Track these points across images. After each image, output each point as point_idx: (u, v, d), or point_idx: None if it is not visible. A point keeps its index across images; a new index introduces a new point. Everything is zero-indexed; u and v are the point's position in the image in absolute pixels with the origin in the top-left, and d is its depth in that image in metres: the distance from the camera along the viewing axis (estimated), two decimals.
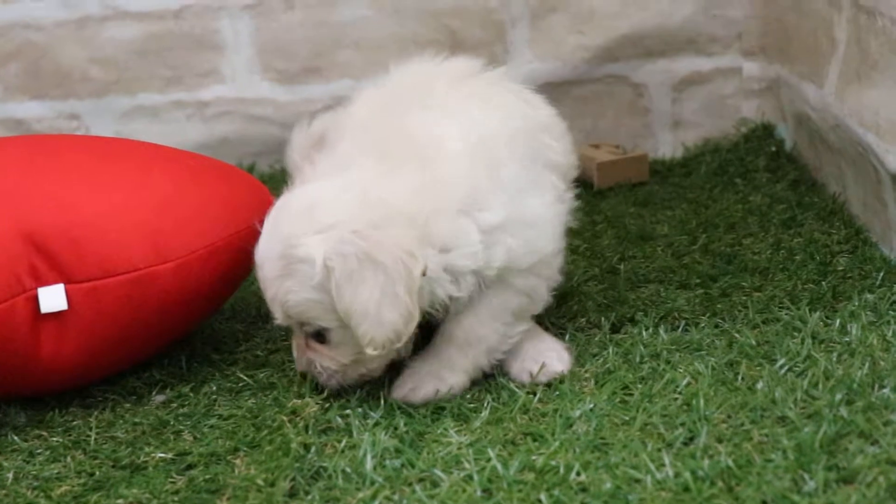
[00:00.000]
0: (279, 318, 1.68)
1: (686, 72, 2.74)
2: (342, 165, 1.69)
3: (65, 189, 1.73)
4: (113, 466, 1.60)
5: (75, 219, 1.70)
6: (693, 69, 2.74)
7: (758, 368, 1.71)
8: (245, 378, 1.81)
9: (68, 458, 1.63)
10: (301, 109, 2.62)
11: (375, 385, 1.74)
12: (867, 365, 1.67)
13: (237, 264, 1.81)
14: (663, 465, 1.47)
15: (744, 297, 1.95)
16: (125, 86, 2.78)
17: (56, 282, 1.68)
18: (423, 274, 1.59)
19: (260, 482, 1.49)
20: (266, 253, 1.66)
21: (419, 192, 1.63)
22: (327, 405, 1.69)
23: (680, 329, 1.86)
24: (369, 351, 1.60)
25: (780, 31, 2.59)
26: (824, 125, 2.29)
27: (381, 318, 1.57)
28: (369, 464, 1.52)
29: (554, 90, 2.64)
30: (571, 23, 2.72)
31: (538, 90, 2.48)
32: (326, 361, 1.70)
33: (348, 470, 1.51)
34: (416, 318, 1.60)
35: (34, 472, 1.60)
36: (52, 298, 1.66)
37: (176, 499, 1.50)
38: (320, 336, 1.68)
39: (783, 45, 2.58)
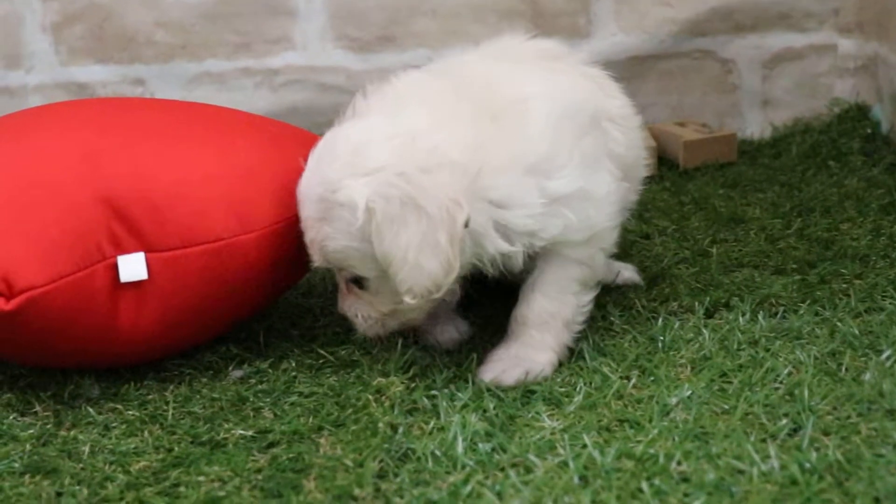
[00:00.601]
0: (317, 260, 1.70)
1: (778, 48, 2.73)
2: (399, 104, 1.69)
3: (145, 154, 1.73)
4: (192, 442, 1.61)
5: (157, 185, 1.70)
6: (785, 45, 2.73)
7: (863, 359, 1.70)
8: (326, 354, 1.81)
9: (145, 433, 1.64)
10: (374, 79, 2.61)
11: (461, 366, 1.75)
12: None
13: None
14: (768, 456, 1.45)
15: (844, 285, 1.94)
16: (192, 51, 2.79)
17: (136, 250, 1.68)
18: (466, 225, 1.58)
19: (348, 462, 1.50)
20: (307, 193, 1.68)
21: (482, 145, 1.63)
22: (413, 385, 1.70)
23: (778, 316, 1.86)
24: (408, 300, 1.60)
25: (880, 7, 2.56)
26: None
27: (421, 266, 1.57)
28: (460, 447, 1.52)
29: (638, 64, 2.63)
30: None
31: (622, 64, 2.48)
32: (365, 308, 1.72)
33: (438, 453, 1.51)
34: (456, 270, 1.59)
35: (110, 446, 1.61)
36: (133, 267, 1.67)
37: (259, 477, 1.50)
38: (359, 282, 1.69)
39: (882, 22, 2.55)
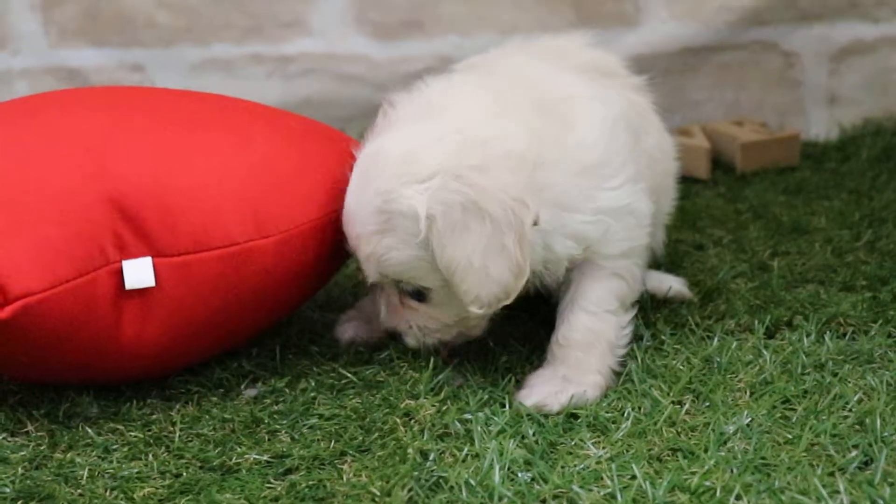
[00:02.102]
0: (372, 276, 1.75)
1: (846, 40, 2.78)
2: (437, 106, 1.77)
3: (156, 149, 1.77)
4: (201, 467, 1.65)
5: (167, 184, 1.74)
6: (855, 37, 2.78)
7: None
8: (348, 375, 1.85)
9: (150, 456, 1.68)
10: (399, 69, 2.67)
11: (497, 387, 1.79)
12: None
13: (338, 245, 1.86)
14: (837, 491, 1.49)
15: None
16: (197, 35, 2.84)
17: (143, 254, 1.71)
18: (535, 223, 1.65)
19: (374, 490, 1.54)
20: (359, 208, 1.74)
21: (536, 137, 1.71)
22: (444, 408, 1.74)
23: (847, 337, 1.90)
24: (473, 310, 1.67)
25: None
26: None
27: (488, 273, 1.65)
28: (497, 476, 1.56)
29: (692, 56, 2.68)
30: None
31: (674, 56, 2.52)
32: (423, 321, 1.78)
33: (472, 482, 1.55)
34: (527, 273, 1.66)
35: (111, 471, 1.65)
36: (139, 273, 1.70)
37: None
38: (420, 295, 1.75)
39: None
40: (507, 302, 1.68)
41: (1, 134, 1.78)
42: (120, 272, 1.70)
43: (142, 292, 1.72)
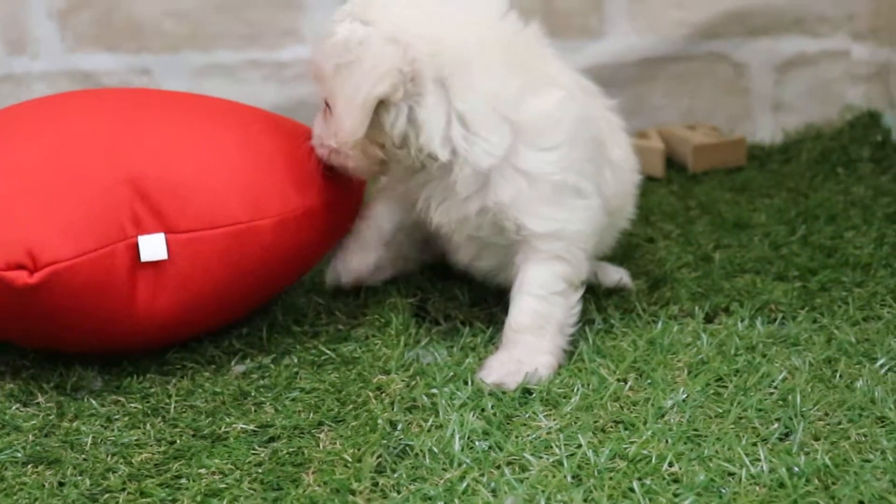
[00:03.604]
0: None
1: (791, 53, 2.81)
2: None
3: (168, 139, 1.85)
4: (193, 435, 1.70)
5: (179, 168, 1.82)
6: (798, 50, 2.81)
7: (857, 367, 1.79)
8: (327, 351, 1.91)
9: (147, 426, 1.73)
10: None
11: (461, 365, 1.85)
12: None
13: (328, 229, 1.98)
14: (758, 459, 1.54)
15: (844, 293, 2.03)
16: (200, 42, 2.88)
17: (157, 230, 1.79)
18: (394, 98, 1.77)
19: (347, 457, 1.59)
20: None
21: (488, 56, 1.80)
22: (413, 383, 1.80)
23: (777, 322, 1.95)
24: (334, 143, 1.86)
25: (894, 13, 2.64)
26: None
27: (342, 117, 1.80)
28: (457, 444, 1.61)
29: (650, 66, 2.72)
30: None
31: (634, 66, 2.57)
32: (323, 129, 1.91)
33: (435, 450, 1.61)
34: (359, 134, 1.78)
35: (112, 438, 1.70)
36: (153, 247, 1.77)
37: (259, 471, 1.59)
38: (329, 105, 1.88)
39: None
40: (345, 142, 1.83)
41: (30, 130, 1.85)
42: (136, 246, 1.77)
43: (155, 265, 1.79)
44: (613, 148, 1.97)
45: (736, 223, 2.37)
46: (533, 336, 1.85)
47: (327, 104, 1.88)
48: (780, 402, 1.70)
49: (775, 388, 1.74)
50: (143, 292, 1.79)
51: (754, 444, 1.59)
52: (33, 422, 1.75)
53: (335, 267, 2.08)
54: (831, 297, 2.02)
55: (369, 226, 2.05)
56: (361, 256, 2.06)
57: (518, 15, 1.90)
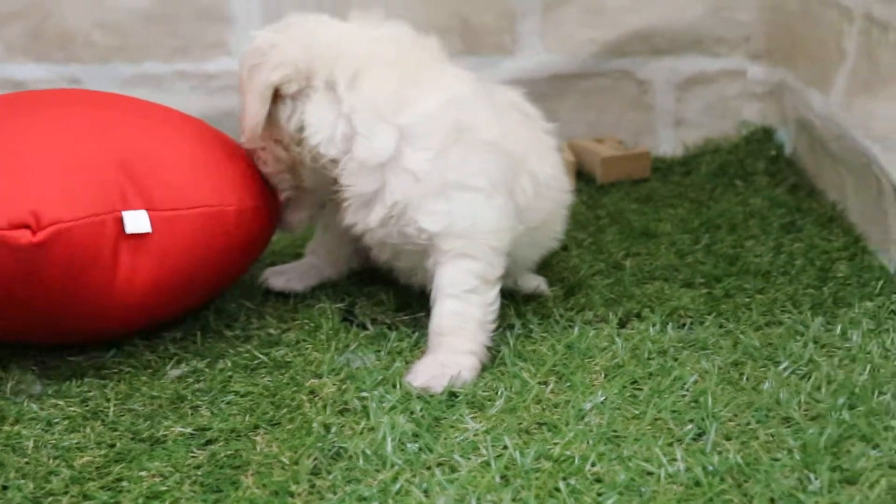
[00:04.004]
0: None
1: (691, 71, 2.83)
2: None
3: (147, 132, 1.90)
4: (132, 439, 1.66)
5: (159, 155, 1.87)
6: (698, 69, 2.83)
7: (762, 370, 1.80)
8: (260, 356, 1.87)
9: (87, 429, 1.68)
10: None
11: (389, 370, 1.83)
12: (867, 371, 1.77)
13: (266, 229, 2.01)
14: (675, 459, 1.55)
15: (747, 299, 2.05)
16: (129, 53, 2.82)
17: (140, 207, 1.80)
18: (277, 95, 1.87)
19: (284, 460, 1.57)
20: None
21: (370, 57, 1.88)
22: (344, 386, 1.77)
23: (686, 327, 1.96)
24: (242, 139, 1.95)
25: (787, 36, 2.69)
26: (828, 133, 2.39)
27: (247, 111, 1.90)
28: (389, 446, 1.60)
29: (560, 82, 2.73)
30: (582, 16, 2.79)
31: (545, 82, 2.57)
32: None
33: (368, 452, 1.59)
34: (258, 123, 1.87)
35: (53, 441, 1.65)
36: (137, 221, 1.79)
37: (199, 473, 1.56)
38: None
39: (789, 51, 2.68)
40: (250, 135, 1.90)
41: (28, 112, 1.88)
42: (121, 220, 1.77)
43: (137, 239, 1.80)
44: (540, 165, 1.96)
45: (643, 232, 2.38)
46: (454, 337, 1.83)
47: None
48: (693, 404, 1.70)
49: (687, 390, 1.74)
50: (124, 266, 1.79)
51: (670, 445, 1.59)
52: None
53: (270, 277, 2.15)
54: (735, 304, 2.03)
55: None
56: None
57: (433, 33, 1.96)
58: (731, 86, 2.84)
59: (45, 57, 2.82)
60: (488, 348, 1.86)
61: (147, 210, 1.80)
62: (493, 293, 1.87)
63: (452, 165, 1.83)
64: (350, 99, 1.85)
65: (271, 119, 1.89)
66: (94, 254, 1.74)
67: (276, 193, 2.01)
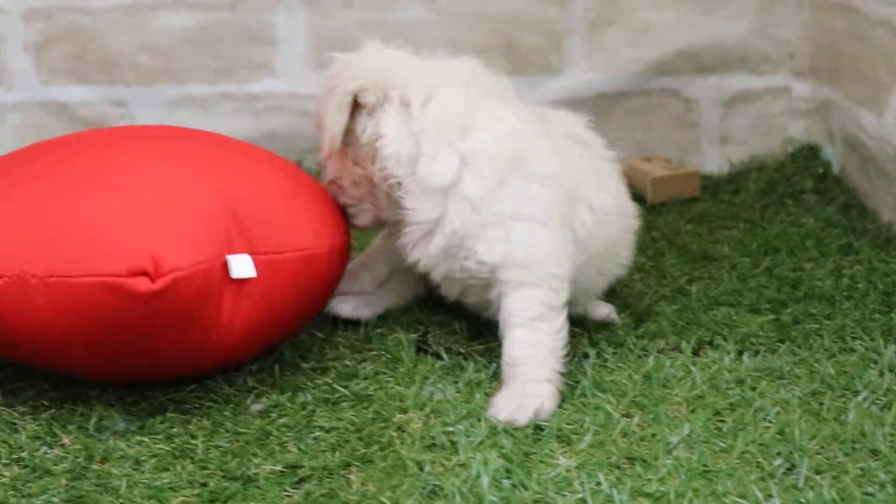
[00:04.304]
0: None
1: (736, 89, 2.85)
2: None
3: (246, 173, 1.91)
4: (223, 477, 1.65)
5: (260, 191, 1.89)
6: (743, 87, 2.85)
7: (842, 400, 1.82)
8: (340, 389, 1.87)
9: (178, 468, 1.68)
10: None
11: (470, 403, 1.83)
12: None
13: (344, 265, 2.03)
14: (770, 495, 1.56)
15: (815, 326, 2.06)
16: (174, 75, 2.82)
17: (244, 251, 1.80)
18: (356, 102, 1.93)
19: (384, 500, 1.57)
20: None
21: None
22: (430, 421, 1.77)
23: (759, 355, 1.96)
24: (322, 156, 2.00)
25: (833, 54, 2.70)
26: (882, 153, 2.40)
27: (325, 121, 1.95)
28: (486, 484, 1.60)
29: (606, 101, 2.74)
30: (627, 36, 2.81)
31: (591, 101, 2.58)
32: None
33: (465, 490, 1.59)
34: (338, 129, 1.92)
35: (145, 481, 1.65)
36: (243, 265, 1.79)
37: None
38: None
39: (835, 69, 2.69)
40: (334, 144, 1.94)
41: (138, 151, 1.90)
42: (226, 264, 1.77)
43: (240, 283, 1.79)
44: (598, 194, 1.98)
45: (702, 255, 2.38)
46: (528, 367, 1.85)
47: None
48: (778, 436, 1.71)
49: (770, 422, 1.75)
50: (227, 308, 1.79)
51: (763, 480, 1.60)
52: (63, 464, 1.69)
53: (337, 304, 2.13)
54: (805, 330, 2.04)
55: (364, 267, 2.16)
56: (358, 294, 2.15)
57: (477, 53, 2.04)
58: (776, 103, 2.85)
59: (88, 79, 2.83)
60: (564, 376, 1.86)
61: (250, 254, 1.80)
62: (561, 319, 1.89)
63: (508, 196, 1.87)
64: (421, 119, 1.91)
65: (348, 136, 1.95)
66: (204, 299, 1.74)
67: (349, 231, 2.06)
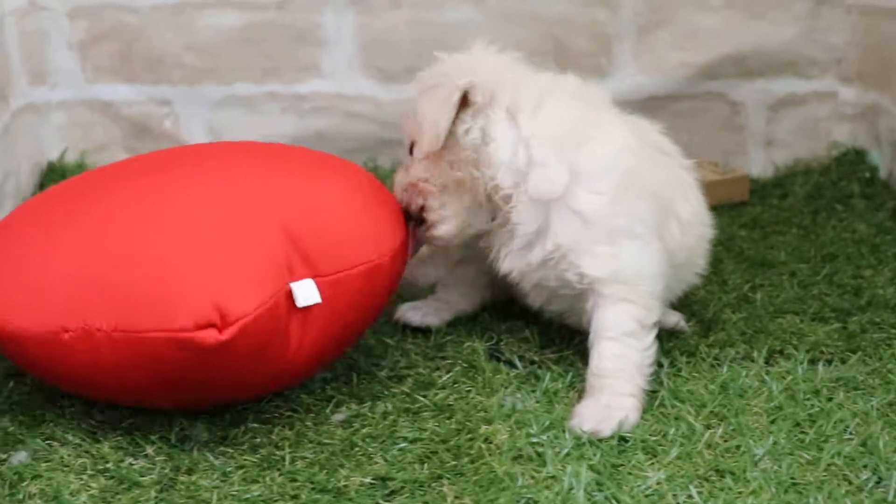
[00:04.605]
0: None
1: (783, 93, 2.87)
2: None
3: (302, 188, 1.84)
4: (313, 489, 1.64)
5: (319, 214, 1.81)
6: (790, 91, 2.87)
7: None
8: (420, 398, 1.87)
9: (267, 479, 1.67)
10: (401, 109, 2.66)
11: (552, 413, 1.82)
12: None
13: (404, 264, 1.97)
14: None
15: (883, 335, 2.06)
16: (220, 75, 2.81)
17: (306, 276, 1.75)
18: (466, 100, 1.87)
19: None
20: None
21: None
22: (516, 432, 1.77)
23: (831, 365, 1.97)
24: (417, 153, 1.93)
25: (881, 59, 2.71)
26: None
27: (424, 118, 1.89)
28: (581, 497, 1.61)
29: (653, 104, 2.74)
30: (676, 39, 2.82)
31: (639, 103, 2.59)
32: (402, 176, 1.98)
33: (559, 502, 1.58)
34: (442, 127, 1.86)
35: (235, 493, 1.63)
36: (307, 292, 1.74)
37: None
38: (411, 149, 1.97)
39: (884, 74, 2.70)
40: (435, 146, 1.88)
41: (176, 186, 1.82)
42: (289, 293, 1.72)
43: (305, 309, 1.74)
44: (683, 204, 1.98)
45: (761, 262, 2.39)
46: (615, 380, 1.85)
47: (411, 152, 1.95)
48: (862, 448, 1.71)
49: (852, 433, 1.75)
50: (295, 336, 1.75)
51: (853, 493, 1.60)
52: (150, 476, 1.68)
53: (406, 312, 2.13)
54: (873, 340, 2.04)
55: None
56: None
57: (527, 55, 2.01)
58: (822, 107, 2.87)
59: (134, 78, 2.81)
60: (645, 391, 1.87)
61: (313, 277, 1.76)
62: (650, 338, 1.89)
63: (623, 212, 1.85)
64: (530, 126, 1.87)
65: (447, 137, 1.88)
66: (272, 335, 1.70)
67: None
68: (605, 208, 1.85)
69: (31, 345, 1.71)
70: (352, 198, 1.88)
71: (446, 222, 1.95)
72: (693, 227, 2.01)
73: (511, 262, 1.93)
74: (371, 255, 1.83)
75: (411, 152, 1.98)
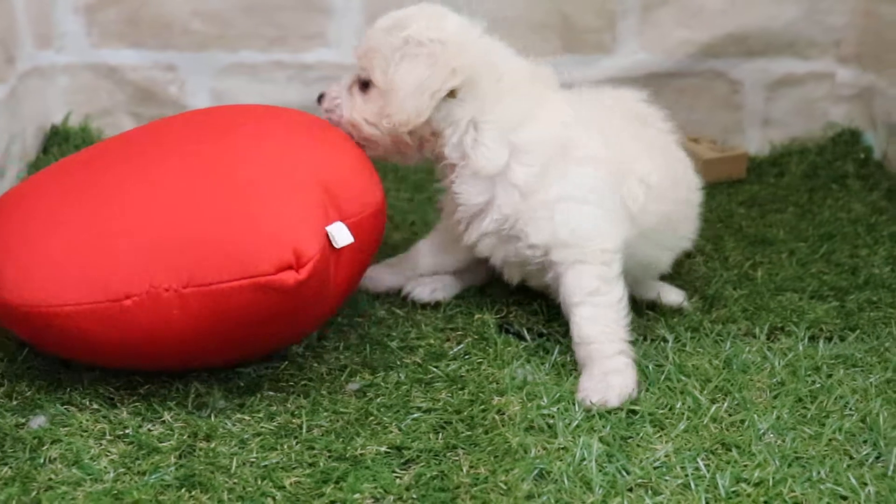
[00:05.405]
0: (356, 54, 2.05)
1: (781, 73, 2.89)
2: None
3: (324, 145, 1.96)
4: (330, 457, 1.68)
5: (340, 159, 1.95)
6: (788, 71, 2.89)
7: None
8: (432, 369, 1.90)
9: (284, 447, 1.70)
10: None
11: (561, 386, 1.86)
12: None
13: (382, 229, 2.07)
14: (865, 483, 1.61)
15: (880, 314, 2.11)
16: (227, 42, 2.81)
17: (336, 220, 1.84)
18: (453, 95, 1.94)
19: (500, 483, 1.61)
20: (382, 22, 2.03)
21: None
22: (528, 404, 1.81)
23: (830, 342, 2.02)
24: (384, 122, 1.97)
25: (879, 42, 2.74)
26: None
27: (405, 101, 1.93)
28: (593, 468, 1.65)
29: (655, 81, 2.76)
30: (680, 17, 2.83)
31: (641, 80, 2.62)
32: (350, 110, 2.03)
33: (571, 473, 1.63)
34: (423, 117, 1.93)
35: (253, 460, 1.67)
36: (343, 234, 1.84)
37: (413, 496, 1.59)
38: (365, 86, 2.01)
39: (881, 56, 2.73)
40: (406, 126, 1.95)
41: (245, 143, 1.91)
42: (327, 236, 1.81)
43: (339, 250, 1.84)
44: (652, 168, 2.00)
45: (761, 240, 2.42)
46: (599, 344, 1.89)
47: (363, 82, 2.01)
48: (862, 425, 1.76)
49: (852, 409, 1.80)
50: (332, 276, 1.84)
51: (854, 468, 1.65)
52: (170, 442, 1.71)
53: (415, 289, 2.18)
54: (871, 318, 2.09)
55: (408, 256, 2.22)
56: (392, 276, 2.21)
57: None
58: (819, 88, 2.90)
59: (140, 43, 2.81)
60: (648, 359, 1.92)
61: (341, 220, 1.85)
62: (618, 290, 1.94)
63: (553, 181, 1.93)
64: (485, 114, 1.96)
65: None
66: (326, 275, 1.79)
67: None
68: (536, 179, 1.94)
69: (82, 319, 1.73)
70: (357, 150, 2.01)
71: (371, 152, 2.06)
72: (668, 191, 2.03)
73: (469, 233, 2.02)
74: (377, 199, 1.96)
75: (361, 87, 2.02)
